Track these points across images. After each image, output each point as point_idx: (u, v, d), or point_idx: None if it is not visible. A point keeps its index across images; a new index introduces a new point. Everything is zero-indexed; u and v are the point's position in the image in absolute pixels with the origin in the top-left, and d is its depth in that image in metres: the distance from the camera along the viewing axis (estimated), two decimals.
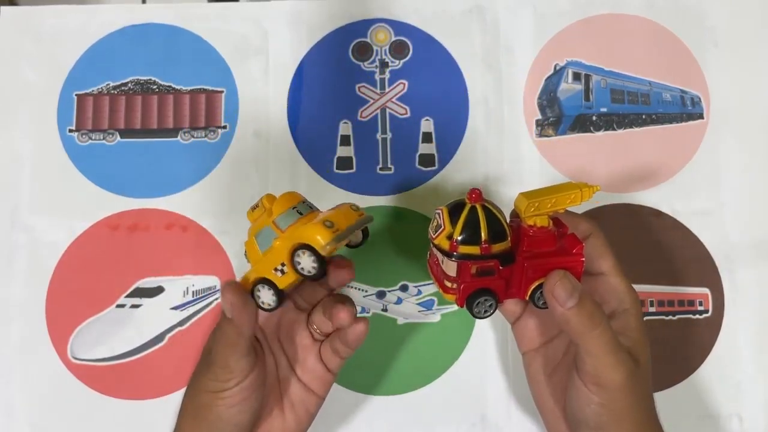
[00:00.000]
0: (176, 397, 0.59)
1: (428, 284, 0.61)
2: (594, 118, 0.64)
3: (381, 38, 0.65)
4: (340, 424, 0.60)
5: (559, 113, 0.64)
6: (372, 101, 0.64)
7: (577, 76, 0.65)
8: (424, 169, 0.63)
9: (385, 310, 0.61)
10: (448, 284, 0.46)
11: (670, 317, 0.62)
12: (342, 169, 0.63)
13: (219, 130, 0.64)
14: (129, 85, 0.64)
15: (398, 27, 0.65)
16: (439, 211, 0.45)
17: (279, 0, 0.66)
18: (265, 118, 0.64)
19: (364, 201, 0.62)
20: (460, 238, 0.44)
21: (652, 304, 0.62)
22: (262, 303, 0.47)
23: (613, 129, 0.64)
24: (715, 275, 0.62)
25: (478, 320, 0.61)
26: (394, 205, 0.62)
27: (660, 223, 0.63)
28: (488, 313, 0.47)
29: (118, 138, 0.63)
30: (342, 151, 0.63)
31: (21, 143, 0.63)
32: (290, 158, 0.63)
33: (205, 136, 0.63)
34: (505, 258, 0.45)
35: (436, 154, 0.63)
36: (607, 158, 0.64)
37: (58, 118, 0.64)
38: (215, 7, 0.66)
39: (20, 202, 0.62)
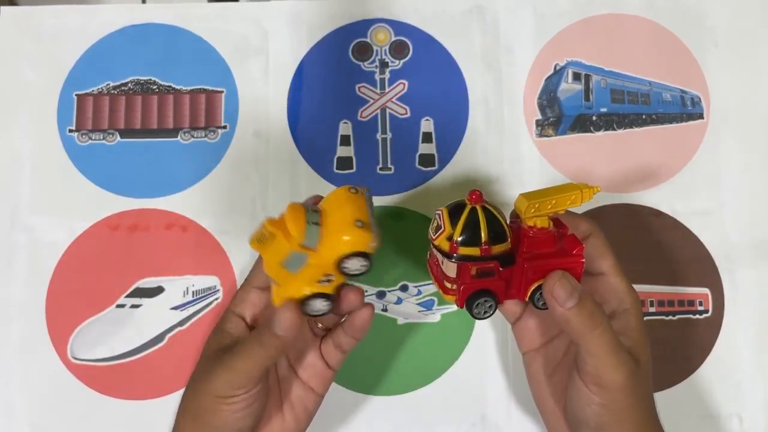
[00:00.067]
0: (176, 397, 0.59)
1: (428, 284, 0.61)
2: (594, 118, 0.64)
3: (381, 38, 0.65)
4: (340, 424, 0.60)
5: (559, 113, 0.64)
6: (372, 101, 0.64)
7: (577, 76, 0.65)
8: (424, 169, 0.63)
9: (385, 310, 0.61)
10: (448, 285, 0.47)
11: (670, 317, 0.62)
12: (342, 169, 0.63)
13: (219, 130, 0.64)
14: (129, 85, 0.64)
15: (398, 27, 0.65)
16: (439, 212, 0.45)
17: (279, 0, 0.66)
18: (265, 118, 0.64)
19: None
20: (460, 239, 0.44)
21: (652, 304, 0.62)
22: (316, 311, 0.46)
23: (613, 129, 0.64)
24: (715, 275, 0.62)
25: (477, 320, 0.61)
26: (394, 205, 0.62)
27: (660, 223, 0.63)
28: (488, 314, 0.47)
29: (118, 138, 0.63)
30: (342, 151, 0.63)
31: (21, 143, 0.63)
32: (290, 158, 0.63)
33: (205, 136, 0.63)
34: (505, 259, 0.45)
35: (436, 154, 0.63)
36: (607, 158, 0.64)
37: (58, 118, 0.64)
38: (215, 7, 0.66)
39: (20, 202, 0.62)
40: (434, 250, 0.47)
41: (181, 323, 0.61)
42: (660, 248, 0.62)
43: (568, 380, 0.48)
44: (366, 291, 0.61)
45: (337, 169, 0.63)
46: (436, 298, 0.61)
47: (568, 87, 0.65)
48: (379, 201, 0.62)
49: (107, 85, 0.64)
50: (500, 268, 0.45)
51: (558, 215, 0.46)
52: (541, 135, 0.64)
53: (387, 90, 0.64)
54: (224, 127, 0.64)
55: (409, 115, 0.64)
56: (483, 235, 0.44)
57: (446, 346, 0.61)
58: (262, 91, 0.64)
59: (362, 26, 0.65)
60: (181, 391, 0.58)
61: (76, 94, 0.64)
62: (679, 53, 0.65)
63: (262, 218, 0.61)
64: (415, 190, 0.63)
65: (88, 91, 0.64)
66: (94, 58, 0.64)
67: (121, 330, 0.61)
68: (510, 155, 0.64)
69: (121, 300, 0.61)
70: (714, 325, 0.62)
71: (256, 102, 0.64)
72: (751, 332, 0.62)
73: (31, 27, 0.65)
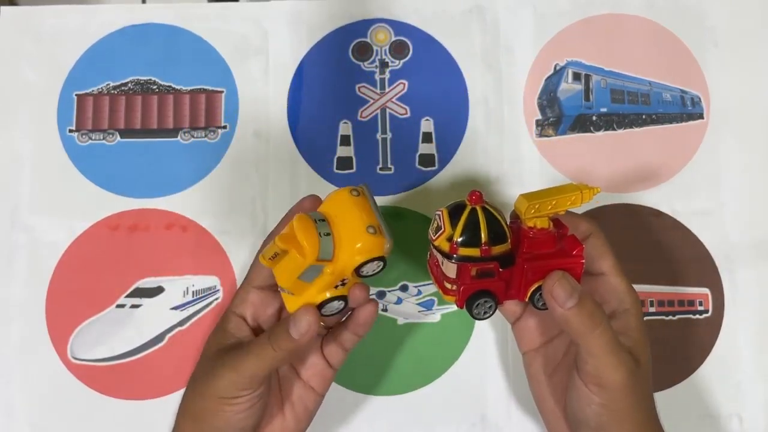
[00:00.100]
0: (176, 397, 0.59)
1: (428, 284, 0.61)
2: (594, 118, 0.64)
3: (381, 38, 0.65)
4: (340, 424, 0.60)
5: (559, 113, 0.64)
6: (372, 101, 0.64)
7: (577, 76, 0.65)
8: (424, 169, 0.63)
9: (385, 310, 0.61)
10: (448, 285, 0.47)
11: (670, 317, 0.62)
12: (342, 169, 0.63)
13: (219, 130, 0.64)
14: (129, 85, 0.64)
15: (398, 27, 0.65)
16: (439, 213, 0.45)
17: (279, 0, 0.66)
18: (265, 118, 0.64)
19: None
20: (460, 240, 0.44)
21: (652, 304, 0.62)
22: (331, 312, 0.47)
23: (613, 129, 0.64)
24: (715, 275, 0.62)
25: (477, 321, 0.61)
26: (394, 205, 0.62)
27: (660, 223, 0.63)
28: (488, 315, 0.47)
29: (118, 138, 0.63)
30: (342, 151, 0.63)
31: (21, 143, 0.63)
32: (290, 158, 0.63)
33: (205, 136, 0.63)
34: (505, 260, 0.45)
35: (436, 154, 0.63)
36: (607, 158, 0.64)
37: (58, 118, 0.64)
38: (215, 7, 0.66)
39: (20, 202, 0.62)
40: (434, 251, 0.47)
41: (181, 323, 0.61)
42: (660, 248, 0.62)
43: (568, 380, 0.48)
44: None
45: (337, 169, 0.63)
46: (436, 298, 0.61)
47: (568, 87, 0.65)
48: (379, 201, 0.61)
49: (107, 85, 0.64)
50: (500, 269, 0.45)
51: (558, 216, 0.46)
52: (541, 135, 0.64)
53: (387, 90, 0.64)
54: (224, 127, 0.64)
55: (409, 115, 0.64)
56: (483, 235, 0.44)
57: (446, 346, 0.61)
58: (262, 91, 0.64)
59: (362, 26, 0.65)
60: (181, 391, 0.58)
61: (76, 94, 0.64)
62: (679, 53, 0.65)
63: (262, 218, 0.62)
64: (415, 190, 0.63)
65: (88, 91, 0.64)
66: (94, 58, 0.64)
67: (121, 330, 0.61)
68: (510, 155, 0.64)
69: (121, 300, 0.61)
70: (714, 325, 0.62)
71: (256, 102, 0.64)
72: (751, 332, 0.62)
73: (31, 27, 0.65)
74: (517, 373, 0.60)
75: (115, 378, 0.60)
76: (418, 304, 0.61)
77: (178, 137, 0.63)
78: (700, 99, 0.65)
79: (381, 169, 0.63)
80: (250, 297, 0.50)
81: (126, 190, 0.63)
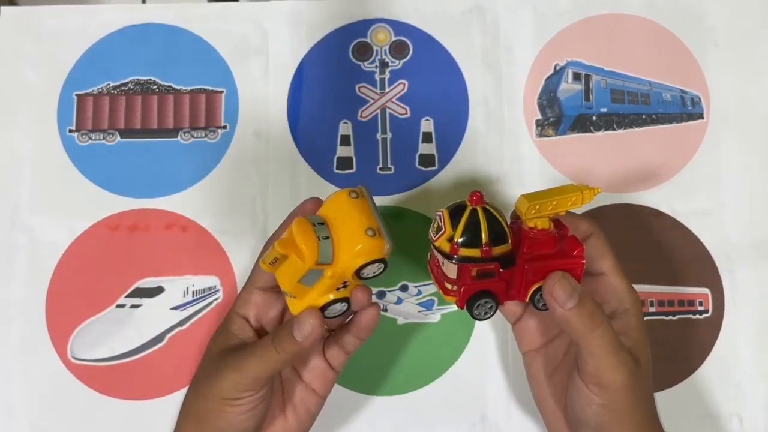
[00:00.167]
0: (176, 397, 0.59)
1: (428, 284, 0.61)
2: (594, 118, 0.64)
3: (381, 38, 0.65)
4: (340, 424, 0.60)
5: (559, 113, 0.64)
6: (372, 101, 0.64)
7: (577, 76, 0.65)
8: (424, 169, 0.63)
9: (385, 310, 0.61)
10: (449, 286, 0.47)
11: (670, 317, 0.62)
12: (342, 169, 0.63)
13: (219, 130, 0.64)
14: (129, 85, 0.64)
15: (398, 27, 0.65)
16: (440, 213, 0.45)
17: (279, 0, 0.65)
18: (265, 118, 0.64)
19: None
20: (460, 240, 0.44)
21: (652, 304, 0.62)
22: (334, 313, 0.47)
23: (613, 129, 0.64)
24: (715, 275, 0.62)
25: (478, 321, 0.61)
26: (394, 205, 0.62)
27: (660, 223, 0.63)
28: (488, 315, 0.48)
29: (118, 138, 0.63)
30: (342, 151, 0.63)
31: (21, 143, 0.63)
32: (290, 158, 0.63)
33: (205, 136, 0.63)
34: (506, 260, 0.45)
35: (436, 154, 0.63)
36: (607, 158, 0.64)
37: (58, 118, 0.64)
38: (215, 7, 0.66)
39: (20, 202, 0.62)
40: (435, 252, 0.47)
41: (181, 323, 0.61)
42: (660, 248, 0.62)
43: (568, 380, 0.48)
44: None
45: (337, 169, 0.63)
46: (436, 298, 0.61)
47: (568, 87, 0.65)
48: (379, 201, 0.62)
49: (107, 85, 0.64)
50: (501, 270, 0.45)
51: (558, 216, 0.46)
52: (541, 135, 0.64)
53: (387, 90, 0.64)
54: (224, 127, 0.64)
55: (409, 115, 0.64)
56: (484, 236, 0.44)
57: (446, 346, 0.61)
58: (262, 91, 0.64)
59: (362, 26, 0.65)
60: (181, 391, 0.59)
61: (76, 94, 0.64)
62: (679, 53, 0.65)
63: (262, 218, 0.62)
64: (415, 190, 0.63)
65: (88, 91, 0.64)
66: (94, 58, 0.64)
67: (121, 330, 0.61)
68: (510, 155, 0.64)
69: (121, 300, 0.61)
70: (714, 325, 0.62)
71: (256, 102, 0.64)
72: (751, 332, 0.62)
73: (31, 27, 0.65)
74: (517, 373, 0.60)
75: (115, 378, 0.60)
76: (418, 304, 0.61)
77: (178, 137, 0.63)
78: (700, 99, 0.65)
79: (381, 169, 0.63)
80: (253, 298, 0.50)
81: (126, 190, 0.63)
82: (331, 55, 0.65)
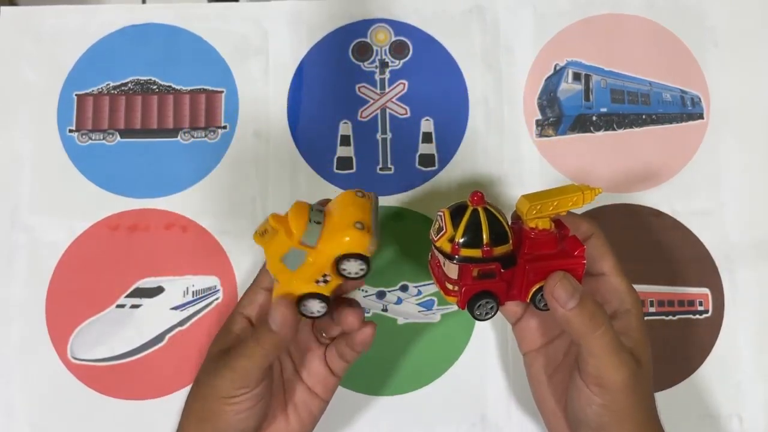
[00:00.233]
0: (176, 397, 0.59)
1: (428, 284, 0.61)
2: (594, 118, 0.64)
3: (381, 38, 0.65)
4: (341, 424, 0.60)
5: (559, 113, 0.64)
6: (372, 101, 0.64)
7: (577, 76, 0.65)
8: (424, 169, 0.63)
9: (385, 310, 0.61)
10: (450, 286, 0.47)
11: (670, 317, 0.62)
12: (342, 169, 0.63)
13: (219, 130, 0.64)
14: (129, 85, 0.64)
15: (398, 27, 0.65)
16: (441, 214, 0.45)
17: (279, 0, 0.65)
18: (265, 118, 0.64)
19: None
20: (461, 241, 0.44)
21: (652, 304, 0.62)
22: (311, 312, 0.47)
23: (613, 129, 0.64)
24: (715, 275, 0.62)
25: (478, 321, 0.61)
26: (394, 205, 0.62)
27: (660, 223, 0.63)
28: (489, 315, 0.48)
29: (118, 138, 0.63)
30: (342, 151, 0.63)
31: (21, 143, 0.63)
32: (290, 158, 0.63)
33: (205, 136, 0.63)
34: (507, 261, 0.45)
35: (436, 154, 0.63)
36: (607, 158, 0.64)
37: (58, 118, 0.63)
38: (215, 7, 0.66)
39: (20, 202, 0.62)
40: (436, 252, 0.47)
41: (181, 323, 0.61)
42: (660, 248, 0.63)
43: (568, 381, 0.49)
44: (366, 291, 0.61)
45: (337, 169, 0.63)
46: (436, 298, 0.61)
47: (568, 87, 0.65)
48: (379, 201, 0.62)
49: (107, 85, 0.64)
50: (502, 270, 0.45)
51: (559, 216, 0.46)
52: (541, 135, 0.64)
53: (387, 90, 0.64)
54: (224, 127, 0.64)
55: (409, 115, 0.64)
56: (485, 236, 0.44)
57: (446, 346, 0.61)
58: (262, 91, 0.64)
59: (362, 26, 0.65)
60: (181, 391, 0.59)
61: (76, 94, 0.64)
62: (679, 53, 0.65)
63: (262, 218, 0.61)
64: (415, 191, 0.63)
65: (88, 91, 0.64)
66: (94, 58, 0.64)
67: (121, 330, 0.61)
68: (510, 155, 0.64)
69: (121, 300, 0.61)
70: (714, 325, 0.62)
71: (256, 102, 0.64)
72: (751, 332, 0.62)
73: (31, 27, 0.65)
74: (517, 373, 0.60)
75: (115, 378, 0.60)
76: (419, 304, 0.61)
77: (178, 137, 0.63)
78: (700, 99, 0.65)
79: (381, 169, 0.63)
80: (257, 298, 0.50)
81: (126, 190, 0.63)
82: (331, 55, 0.65)
